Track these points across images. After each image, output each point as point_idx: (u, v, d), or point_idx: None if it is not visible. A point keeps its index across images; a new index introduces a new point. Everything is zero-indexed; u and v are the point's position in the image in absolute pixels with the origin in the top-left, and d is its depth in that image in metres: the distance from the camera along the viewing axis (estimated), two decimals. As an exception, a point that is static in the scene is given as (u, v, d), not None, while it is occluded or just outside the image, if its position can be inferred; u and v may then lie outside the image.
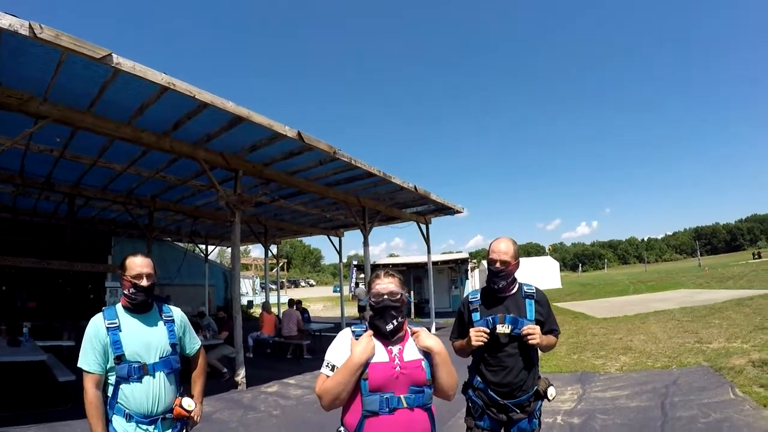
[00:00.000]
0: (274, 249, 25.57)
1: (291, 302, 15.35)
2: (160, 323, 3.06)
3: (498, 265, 3.32)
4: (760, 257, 62.64)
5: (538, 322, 3.29)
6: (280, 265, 33.86)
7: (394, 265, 27.29)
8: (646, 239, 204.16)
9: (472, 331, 3.24)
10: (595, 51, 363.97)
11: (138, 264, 2.99)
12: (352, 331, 2.54)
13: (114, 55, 6.24)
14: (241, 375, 9.53)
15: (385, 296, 2.49)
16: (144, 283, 2.96)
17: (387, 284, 2.54)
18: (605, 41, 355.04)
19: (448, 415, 6.53)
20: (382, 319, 2.47)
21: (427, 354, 2.49)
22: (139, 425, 2.81)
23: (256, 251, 64.43)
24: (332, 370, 2.40)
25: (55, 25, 5.61)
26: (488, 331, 3.22)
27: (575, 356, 11.05)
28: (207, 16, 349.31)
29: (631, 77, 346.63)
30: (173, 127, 8.83)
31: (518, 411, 3.21)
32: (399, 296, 2.51)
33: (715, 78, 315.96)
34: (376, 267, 24.84)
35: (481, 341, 3.20)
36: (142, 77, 6.71)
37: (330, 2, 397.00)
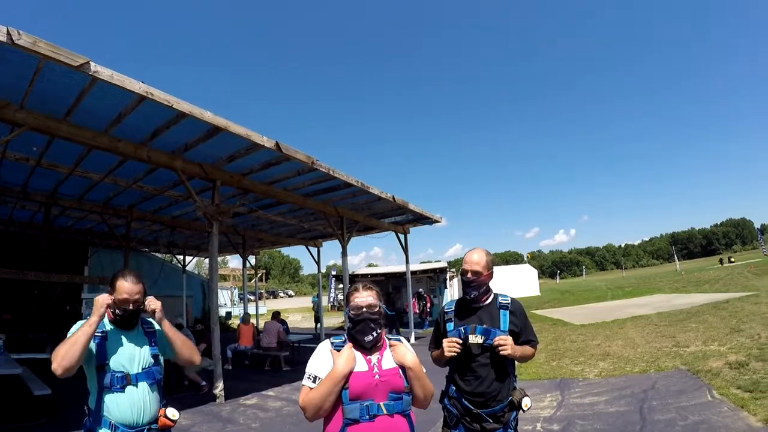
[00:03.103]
0: (252, 260, 25.47)
1: (275, 314, 15.32)
2: (142, 335, 3.08)
3: (470, 275, 3.36)
4: (731, 262, 63.33)
5: (512, 332, 3.30)
6: (259, 275, 33.70)
7: (373, 275, 27.34)
8: (623, 245, 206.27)
9: (445, 342, 3.29)
10: (570, 61, 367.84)
11: (126, 290, 2.95)
12: (332, 343, 2.60)
13: (92, 63, 6.22)
14: (219, 387, 9.45)
15: (364, 309, 2.56)
16: (130, 308, 2.96)
17: (366, 297, 2.61)
18: (583, 51, 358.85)
19: (428, 425, 6.56)
20: (361, 332, 2.53)
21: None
22: None
23: (234, 262, 64.13)
24: (315, 381, 2.44)
25: (36, 33, 5.60)
26: (460, 341, 3.25)
27: (554, 363, 11.16)
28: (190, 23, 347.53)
29: (606, 88, 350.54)
30: (151, 137, 8.79)
31: (491, 421, 3.22)
32: (377, 309, 2.60)
33: (690, 88, 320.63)
34: (354, 277, 24.90)
35: (454, 352, 3.23)
36: (120, 86, 6.69)
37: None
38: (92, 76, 6.36)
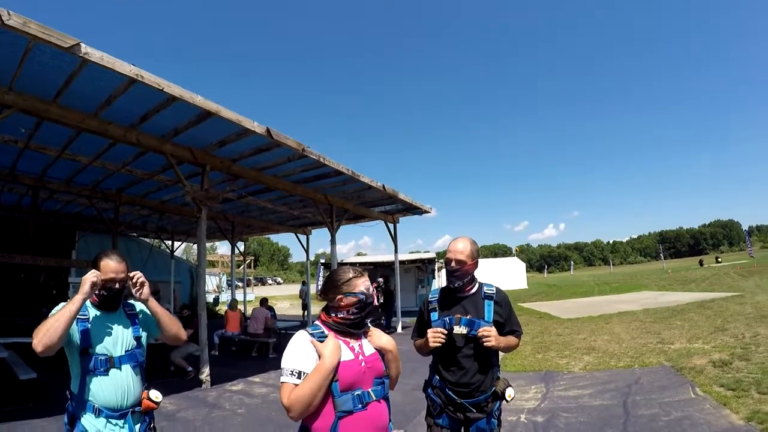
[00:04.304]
0: (241, 246, 25.41)
1: (263, 301, 15.37)
2: (124, 317, 3.08)
3: (453, 264, 3.32)
4: (718, 262, 63.87)
5: (497, 323, 3.27)
6: (247, 262, 33.65)
7: (361, 264, 27.33)
8: (611, 242, 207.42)
9: (430, 332, 3.25)
10: (565, 54, 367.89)
11: (112, 268, 2.94)
12: (311, 334, 2.42)
13: (82, 45, 6.18)
14: (205, 373, 9.48)
15: (371, 294, 2.54)
16: (116, 287, 2.96)
17: (366, 281, 2.56)
18: (579, 46, 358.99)
19: (414, 413, 6.61)
20: (367, 316, 2.54)
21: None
22: (110, 420, 2.79)
23: (223, 248, 63.92)
24: (299, 377, 2.26)
25: (26, 13, 5.56)
26: (445, 332, 3.23)
27: (540, 356, 11.24)
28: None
29: (599, 83, 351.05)
30: (140, 120, 8.75)
31: (475, 411, 3.21)
32: (372, 292, 2.58)
33: (684, 86, 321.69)
34: (342, 265, 24.89)
35: (438, 342, 3.21)
36: (110, 68, 6.65)
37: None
38: (82, 58, 6.33)
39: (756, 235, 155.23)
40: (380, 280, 19.65)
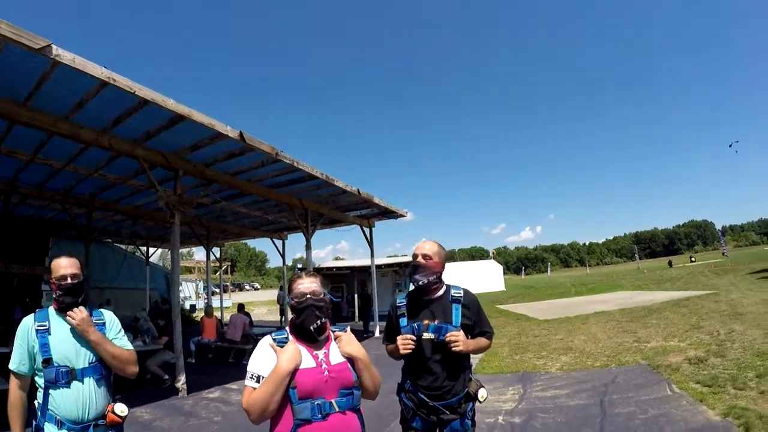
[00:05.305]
0: (217, 252, 25.26)
1: (240, 307, 15.31)
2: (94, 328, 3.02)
3: (420, 258, 3.34)
4: (692, 261, 64.89)
5: (465, 326, 3.27)
6: (224, 268, 33.44)
7: (338, 268, 27.34)
8: (587, 243, 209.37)
9: (399, 339, 3.25)
10: (544, 55, 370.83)
11: (63, 265, 3.00)
12: (273, 339, 2.47)
13: (54, 47, 6.12)
14: (181, 381, 9.40)
15: (308, 295, 2.47)
16: (68, 281, 2.96)
17: (309, 284, 2.53)
18: (559, 47, 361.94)
19: (392, 416, 6.63)
20: (305, 320, 2.44)
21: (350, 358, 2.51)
22: None
23: (199, 254, 63.18)
24: (258, 381, 2.33)
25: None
26: (414, 338, 3.23)
27: (517, 357, 11.31)
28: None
29: (576, 86, 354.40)
30: (113, 124, 8.67)
31: (448, 412, 3.20)
32: (322, 295, 2.51)
33: (657, 85, 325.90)
34: (319, 270, 24.85)
35: (409, 349, 3.21)
36: (82, 70, 6.59)
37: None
38: (54, 60, 6.26)
39: (729, 235, 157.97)
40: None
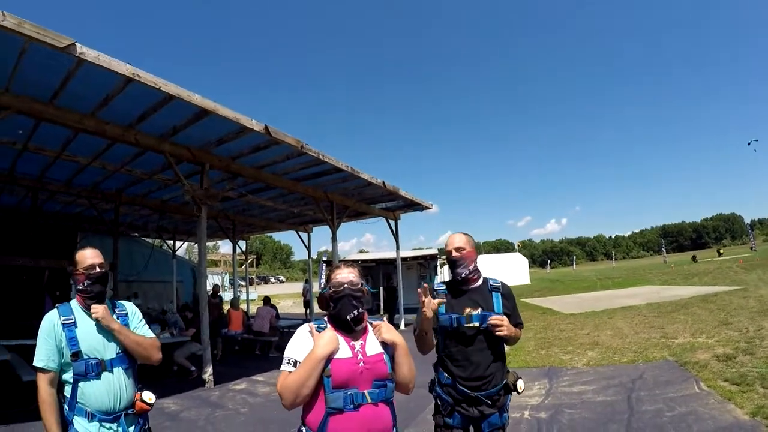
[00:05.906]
0: (243, 245, 25.40)
1: (266, 299, 15.38)
2: (115, 318, 3.03)
3: (454, 253, 3.32)
4: (720, 255, 63.80)
5: (505, 315, 3.24)
6: (249, 261, 33.66)
7: (363, 261, 27.38)
8: (613, 237, 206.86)
9: (426, 301, 3.07)
10: (573, 49, 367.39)
11: (89, 255, 3.03)
12: (314, 326, 2.50)
13: (78, 45, 6.17)
14: (208, 373, 9.49)
15: (346, 285, 2.48)
16: (97, 270, 3.00)
17: (347, 274, 2.54)
18: (597, 39, 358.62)
19: (417, 410, 6.58)
20: (343, 310, 2.44)
21: (387, 347, 2.49)
22: (103, 424, 2.77)
23: (225, 247, 63.64)
24: (294, 366, 2.35)
25: (20, 14, 5.54)
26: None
27: (543, 351, 11.23)
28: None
29: (604, 76, 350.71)
30: (138, 120, 8.75)
31: (490, 403, 3.16)
32: (359, 286, 2.51)
33: (685, 81, 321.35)
34: (344, 263, 24.96)
35: (433, 308, 3.07)
36: (107, 68, 6.64)
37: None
38: (78, 58, 6.31)
39: (759, 229, 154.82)
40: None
